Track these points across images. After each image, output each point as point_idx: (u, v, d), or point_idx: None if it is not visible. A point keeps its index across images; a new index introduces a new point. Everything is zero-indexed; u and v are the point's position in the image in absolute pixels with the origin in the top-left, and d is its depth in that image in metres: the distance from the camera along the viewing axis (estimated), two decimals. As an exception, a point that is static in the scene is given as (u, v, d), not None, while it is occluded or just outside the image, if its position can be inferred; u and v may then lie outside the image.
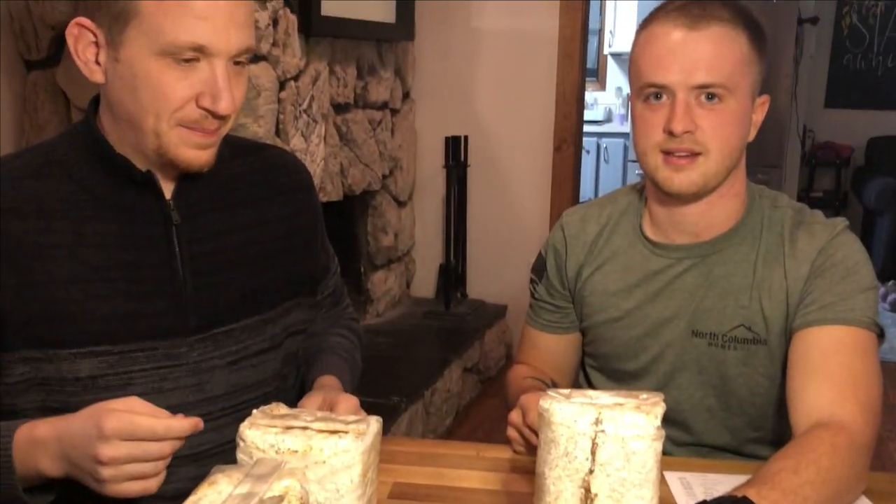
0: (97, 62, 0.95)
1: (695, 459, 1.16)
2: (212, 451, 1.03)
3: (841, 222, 1.17)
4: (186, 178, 1.02)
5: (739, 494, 0.85)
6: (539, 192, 3.38)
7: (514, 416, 1.05)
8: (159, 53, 0.90)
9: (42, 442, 0.87)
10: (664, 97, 1.10)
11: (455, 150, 3.30)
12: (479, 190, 3.44)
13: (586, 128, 3.75)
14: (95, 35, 0.93)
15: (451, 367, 2.91)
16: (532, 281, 1.34)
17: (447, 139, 3.29)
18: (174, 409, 0.90)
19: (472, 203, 3.44)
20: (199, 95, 0.93)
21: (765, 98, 1.17)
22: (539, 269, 1.33)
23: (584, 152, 3.54)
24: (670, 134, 1.09)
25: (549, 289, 1.31)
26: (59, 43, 2.08)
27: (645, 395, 0.83)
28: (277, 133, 2.31)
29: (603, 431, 0.79)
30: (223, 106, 0.93)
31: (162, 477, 0.84)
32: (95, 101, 1.03)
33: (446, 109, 3.41)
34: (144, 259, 1.00)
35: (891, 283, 4.61)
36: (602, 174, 5.75)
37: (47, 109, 2.12)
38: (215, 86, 0.93)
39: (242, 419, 0.88)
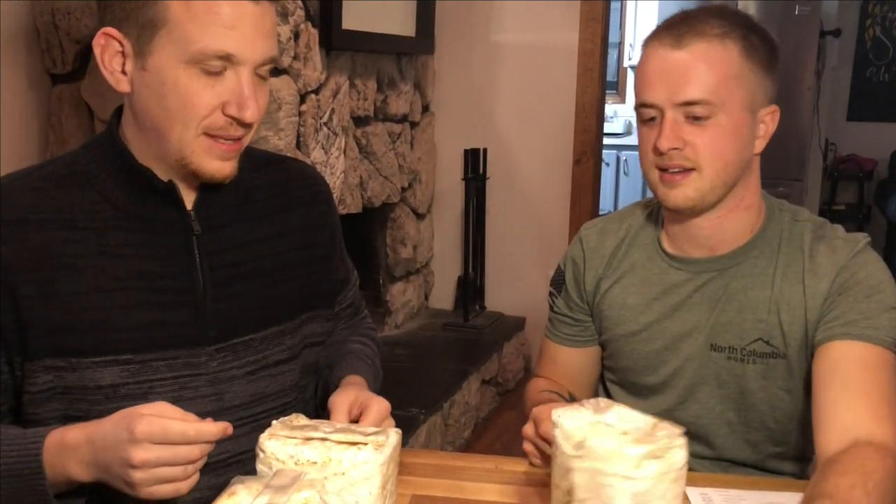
0: (123, 72, 0.96)
1: (717, 474, 1.15)
2: (230, 461, 1.03)
3: (862, 238, 1.15)
4: (207, 189, 1.03)
5: None
6: (558, 204, 3.38)
7: (528, 428, 1.05)
8: (188, 62, 0.92)
9: (73, 447, 0.88)
10: (656, 116, 1.12)
11: (474, 163, 3.31)
12: (498, 202, 3.44)
13: (606, 140, 3.75)
14: (122, 45, 0.94)
15: (469, 380, 2.90)
16: (551, 294, 1.34)
17: (466, 152, 3.29)
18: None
19: (491, 216, 3.44)
20: (225, 104, 0.95)
21: (773, 108, 1.16)
22: (558, 282, 1.33)
23: (603, 165, 3.53)
24: (659, 153, 1.11)
25: (568, 302, 1.31)
26: (85, 57, 2.11)
27: (663, 433, 0.83)
28: (298, 146, 2.33)
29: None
30: (249, 114, 0.95)
31: (194, 480, 0.85)
32: (118, 112, 1.04)
33: (466, 122, 3.41)
34: (166, 269, 1.01)
35: (915, 297, 4.54)
36: (622, 187, 5.74)
37: (72, 122, 2.15)
38: (241, 94, 0.94)
39: (261, 429, 0.89)
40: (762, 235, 1.18)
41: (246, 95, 0.94)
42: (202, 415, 0.96)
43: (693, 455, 1.22)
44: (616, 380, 1.30)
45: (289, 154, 2.20)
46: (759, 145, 1.15)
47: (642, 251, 1.25)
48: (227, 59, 0.93)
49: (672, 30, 1.11)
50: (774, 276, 1.16)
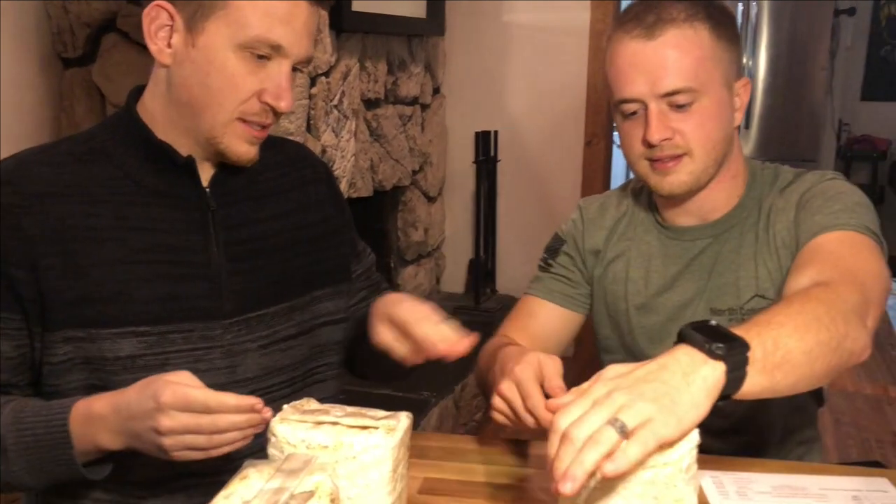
0: (168, 45, 0.98)
1: (728, 458, 1.15)
2: None
3: (834, 173, 1.18)
4: (222, 167, 1.06)
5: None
6: (569, 187, 3.36)
7: (507, 391, 0.97)
8: (239, 46, 0.96)
9: (100, 417, 0.90)
10: (638, 110, 1.12)
11: (485, 146, 3.30)
12: (509, 185, 3.43)
13: (617, 122, 3.72)
14: (173, 18, 0.97)
15: (480, 363, 2.91)
16: (544, 259, 1.34)
17: (477, 134, 3.28)
18: None
19: (502, 198, 3.43)
20: (264, 91, 0.98)
21: (745, 80, 1.18)
22: (555, 246, 1.34)
23: (615, 147, 3.51)
24: (649, 145, 1.12)
25: (568, 264, 1.32)
26: (96, 40, 2.11)
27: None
28: (308, 129, 2.33)
29: None
30: (284, 105, 1.00)
31: (225, 449, 0.86)
32: (136, 91, 1.06)
33: (476, 104, 3.40)
34: (183, 243, 1.03)
35: (929, 279, 4.51)
36: (633, 169, 5.70)
37: (83, 106, 2.15)
38: (281, 84, 0.99)
39: (273, 401, 0.92)
40: (748, 196, 1.21)
41: (284, 87, 0.99)
42: (216, 387, 0.98)
43: (704, 428, 1.22)
44: (622, 358, 1.30)
45: (299, 138, 2.20)
46: (738, 118, 1.18)
47: (640, 225, 1.28)
48: (277, 49, 0.97)
49: (639, 21, 1.11)
50: (758, 230, 1.18)
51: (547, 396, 0.94)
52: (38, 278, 0.96)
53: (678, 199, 1.20)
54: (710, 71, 1.11)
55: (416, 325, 0.98)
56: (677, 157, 1.13)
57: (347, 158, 2.56)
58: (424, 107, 3.21)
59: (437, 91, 3.32)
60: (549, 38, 3.29)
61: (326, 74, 2.39)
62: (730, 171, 1.19)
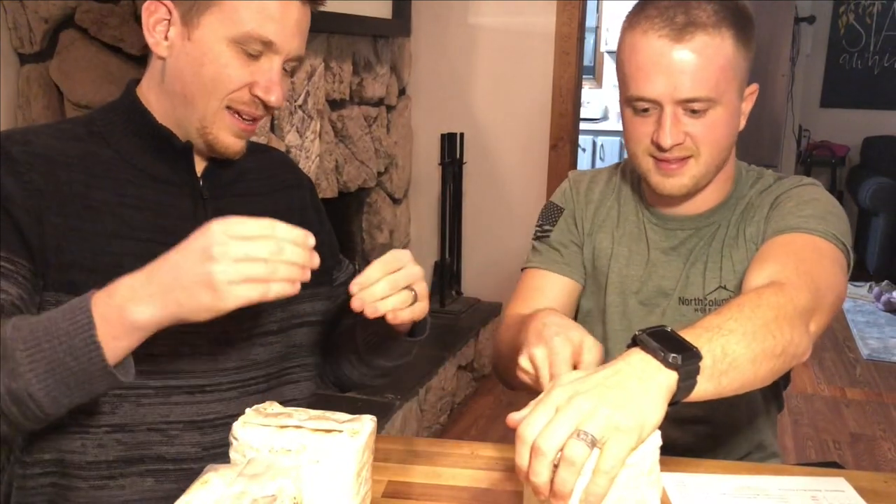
0: (165, 38, 1.02)
1: (690, 460, 1.16)
2: (216, 422, 1.06)
3: (812, 180, 1.22)
4: (214, 161, 1.09)
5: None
6: (535, 190, 3.38)
7: (539, 360, 0.95)
8: (232, 41, 1.00)
9: (129, 287, 0.83)
10: (651, 108, 1.11)
11: (451, 148, 3.30)
12: (475, 187, 3.43)
13: (582, 126, 3.75)
14: (171, 13, 1.01)
15: (445, 365, 2.90)
16: (540, 226, 1.34)
17: (443, 136, 3.28)
18: (187, 375, 1.03)
19: (468, 201, 3.44)
20: (254, 84, 1.02)
21: (753, 87, 1.18)
22: (552, 215, 1.33)
23: (580, 150, 3.53)
24: (659, 147, 1.11)
25: (566, 231, 1.31)
26: (54, 36, 2.07)
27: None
28: (272, 129, 2.30)
29: None
30: (275, 99, 1.03)
31: (284, 286, 0.83)
32: (133, 82, 1.10)
33: (442, 106, 3.40)
34: (176, 227, 1.02)
35: (885, 283, 4.61)
36: (598, 172, 5.74)
37: (41, 104, 2.11)
38: (271, 79, 1.03)
39: (248, 395, 0.99)
40: (732, 196, 1.23)
41: (274, 81, 1.03)
42: (196, 373, 1.04)
43: (669, 419, 1.22)
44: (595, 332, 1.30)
45: (262, 139, 2.18)
46: (742, 122, 1.18)
47: (627, 205, 1.29)
48: (268, 45, 1.01)
49: (669, 19, 1.07)
50: (730, 224, 1.21)
51: None
52: (42, 232, 0.96)
53: (673, 200, 1.20)
54: (729, 81, 1.10)
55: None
56: (683, 160, 1.13)
57: (312, 159, 2.54)
58: (390, 108, 3.20)
59: (402, 92, 3.31)
60: (515, 40, 3.30)
61: (291, 74, 2.37)
62: (724, 173, 1.20)
